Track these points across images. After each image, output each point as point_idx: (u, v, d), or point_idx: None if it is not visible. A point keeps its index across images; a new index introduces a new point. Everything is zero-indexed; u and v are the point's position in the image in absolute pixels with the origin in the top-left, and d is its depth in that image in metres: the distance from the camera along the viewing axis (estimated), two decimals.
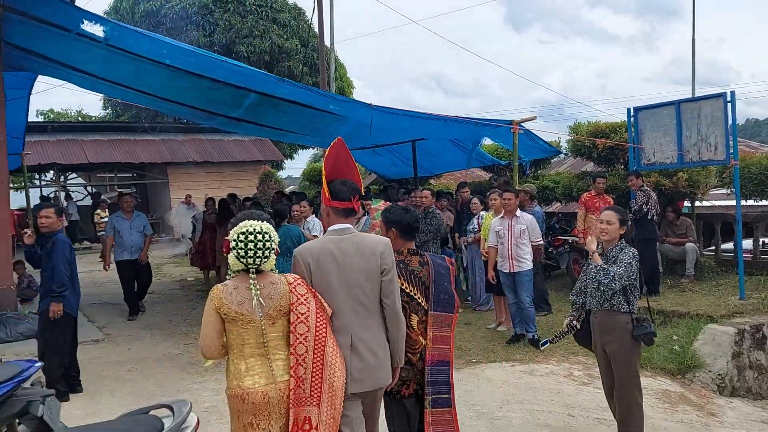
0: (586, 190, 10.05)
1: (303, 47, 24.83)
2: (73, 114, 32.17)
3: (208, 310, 2.91)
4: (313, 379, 2.88)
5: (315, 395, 2.88)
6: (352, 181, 3.35)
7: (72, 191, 23.22)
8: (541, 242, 7.69)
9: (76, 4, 8.14)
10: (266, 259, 2.94)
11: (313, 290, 3.07)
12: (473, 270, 9.07)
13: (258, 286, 2.90)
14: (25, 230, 6.09)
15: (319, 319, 2.96)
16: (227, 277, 3.03)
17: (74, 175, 24.15)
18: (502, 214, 7.39)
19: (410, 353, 3.48)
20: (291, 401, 2.85)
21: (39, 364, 3.45)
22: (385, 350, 3.22)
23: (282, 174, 27.87)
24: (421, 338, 3.54)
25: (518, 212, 7.31)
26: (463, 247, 9.58)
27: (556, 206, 12.86)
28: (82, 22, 6.95)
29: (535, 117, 8.84)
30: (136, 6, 24.14)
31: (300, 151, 28.23)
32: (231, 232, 2.95)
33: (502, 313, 8.00)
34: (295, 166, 68.62)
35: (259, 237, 2.91)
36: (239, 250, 2.89)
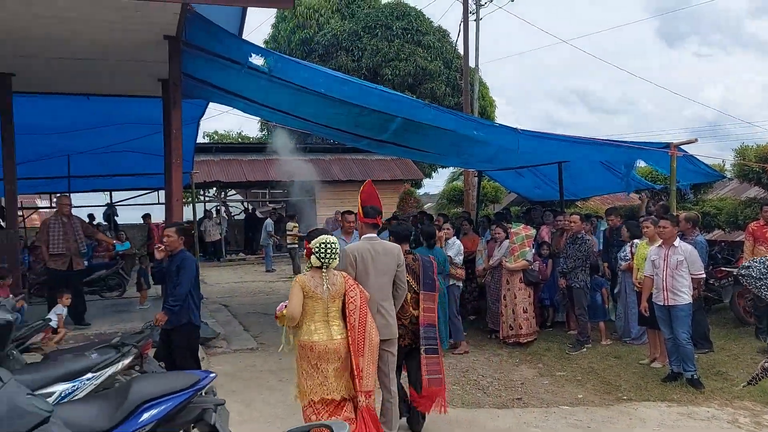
0: (754, 218, 9.19)
1: (446, 69, 25.12)
2: (234, 136, 34.93)
3: (296, 289, 4.45)
4: (359, 338, 4.44)
5: (361, 349, 4.45)
6: (377, 206, 5.33)
7: (231, 206, 25.15)
8: (702, 275, 7.11)
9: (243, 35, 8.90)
10: (333, 260, 4.49)
11: (357, 282, 4.69)
12: (624, 300, 8.59)
13: (326, 277, 4.48)
14: (158, 245, 6.27)
15: (362, 300, 4.56)
16: (305, 270, 4.57)
17: (233, 191, 26.14)
18: (659, 243, 6.96)
19: (403, 319, 5.22)
20: (352, 353, 4.41)
21: (213, 374, 3.78)
22: (394, 314, 5.01)
23: (420, 191, 28.26)
24: (411, 309, 5.29)
25: (677, 241, 6.85)
26: (609, 273, 9.14)
27: (717, 234, 11.88)
28: (250, 55, 7.57)
29: (696, 140, 8.28)
30: (292, 35, 25.78)
31: (439, 170, 28.49)
32: (312, 242, 4.48)
33: (656, 348, 7.51)
34: (434, 184, 69.29)
35: (331, 246, 4.48)
36: (319, 253, 4.45)
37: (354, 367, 4.41)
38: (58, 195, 10.18)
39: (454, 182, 24.83)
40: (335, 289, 4.48)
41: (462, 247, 8.70)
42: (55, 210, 9.90)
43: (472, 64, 18.82)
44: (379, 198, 5.45)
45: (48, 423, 2.30)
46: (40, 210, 23.39)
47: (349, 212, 8.60)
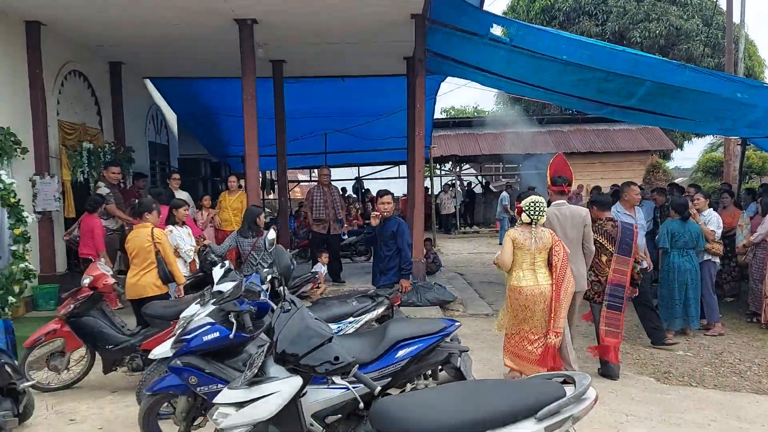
0: None
1: (705, 26, 22.57)
2: (470, 110, 35.53)
3: (507, 241, 5.22)
4: (559, 286, 5.14)
5: (559, 296, 5.15)
6: (565, 175, 5.94)
7: (465, 180, 25.77)
8: None
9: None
10: (541, 217, 5.15)
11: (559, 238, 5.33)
12: None
13: (534, 232, 5.17)
14: (375, 212, 6.79)
15: (564, 255, 5.22)
16: (517, 225, 5.32)
17: (467, 165, 26.72)
18: None
19: (601, 276, 5.92)
20: (553, 299, 5.13)
21: (458, 323, 4.08)
22: (583, 269, 5.69)
23: (669, 165, 25.90)
24: (606, 269, 5.89)
25: None
26: None
27: None
28: (491, 26, 7.70)
29: None
30: (532, 3, 25.26)
31: (694, 139, 25.83)
32: (523, 201, 5.23)
33: None
34: (684, 156, 62.72)
35: (539, 205, 5.15)
36: (529, 211, 5.15)
37: (552, 309, 5.15)
38: (319, 167, 11.44)
39: (711, 153, 22.38)
40: (542, 242, 5.16)
41: (720, 221, 7.92)
42: (316, 182, 11.17)
43: (736, 19, 16.65)
44: (570, 169, 6.11)
45: (331, 342, 2.75)
46: (301, 183, 26.47)
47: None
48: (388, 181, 21.86)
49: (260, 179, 12.80)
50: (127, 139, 11.48)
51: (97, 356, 5.63)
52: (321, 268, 9.45)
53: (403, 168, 17.64)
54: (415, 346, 3.74)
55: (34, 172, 8.52)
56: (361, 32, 9.61)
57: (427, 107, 12.77)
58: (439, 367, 4.00)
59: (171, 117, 14.89)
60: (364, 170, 23.33)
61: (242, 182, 10.00)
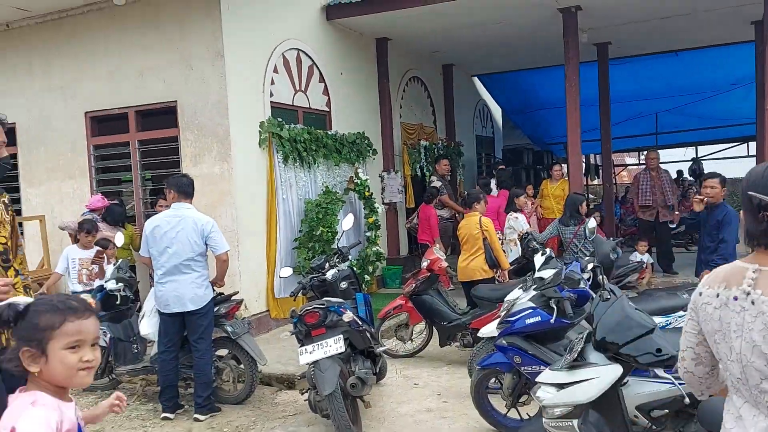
0: None
1: None
2: None
3: None
4: None
5: None
6: None
7: None
8: None
9: None
10: None
11: None
12: None
13: None
14: (698, 198, 5.95)
15: None
16: None
17: None
18: None
19: None
20: None
21: None
22: None
23: None
24: None
25: None
26: None
27: None
28: None
29: None
30: None
31: None
32: None
33: None
34: None
35: None
36: None
37: None
38: (646, 151, 10.81)
39: None
40: None
41: None
42: (644, 165, 10.58)
43: None
44: None
45: (652, 334, 2.74)
46: (629, 167, 25.04)
47: None
48: (732, 161, 19.29)
49: (583, 165, 12.62)
50: (457, 135, 12.48)
51: (434, 331, 6.37)
52: (639, 257, 8.91)
53: (753, 145, 15.44)
54: None
55: (382, 168, 9.90)
56: (698, 1, 8.76)
57: None
58: None
59: (495, 110, 15.63)
60: (703, 150, 20.96)
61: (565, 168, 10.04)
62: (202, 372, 5.00)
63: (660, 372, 2.84)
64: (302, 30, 8.29)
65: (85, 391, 5.88)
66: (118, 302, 5.73)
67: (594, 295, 3.19)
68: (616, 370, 2.87)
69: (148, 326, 5.32)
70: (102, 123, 7.88)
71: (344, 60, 9.16)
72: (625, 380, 2.96)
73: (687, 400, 2.93)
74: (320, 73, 8.62)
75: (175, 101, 7.19)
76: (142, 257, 5.31)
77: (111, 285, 5.67)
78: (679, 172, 18.51)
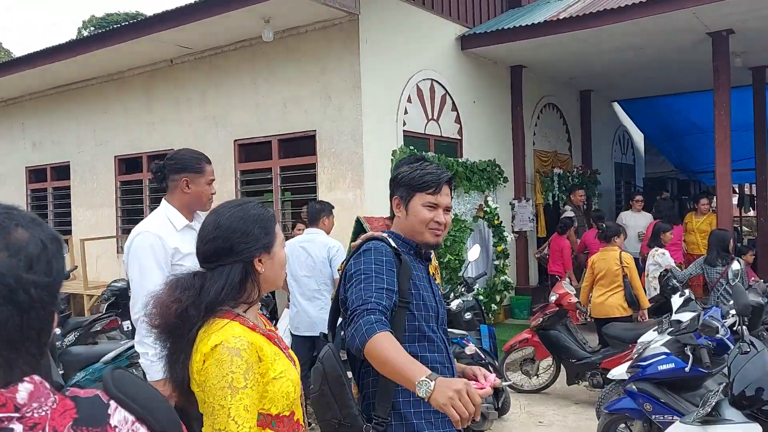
0: None
1: None
2: None
3: None
4: None
5: None
6: None
7: None
8: None
9: None
10: None
11: None
12: None
13: None
14: None
15: None
16: None
17: None
18: None
19: None
20: None
21: None
22: None
23: None
24: None
25: None
26: None
27: None
28: None
29: None
30: None
31: None
32: None
33: None
34: None
35: None
36: None
37: None
38: None
39: None
40: None
41: None
42: None
43: None
44: None
45: None
46: None
47: None
48: None
49: (736, 195, 11.63)
50: (594, 162, 12.02)
51: (562, 367, 6.16)
52: None
53: None
54: None
55: (513, 196, 9.78)
56: None
57: None
58: None
59: (637, 137, 14.87)
60: None
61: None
62: None
63: None
64: (437, 60, 8.48)
65: None
66: None
67: (733, 345, 2.96)
68: (754, 429, 2.64)
69: None
70: (248, 150, 8.51)
71: (478, 88, 9.22)
72: None
73: None
74: (453, 102, 8.74)
75: (315, 130, 7.63)
76: None
77: None
78: None
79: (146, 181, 9.23)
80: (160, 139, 9.05)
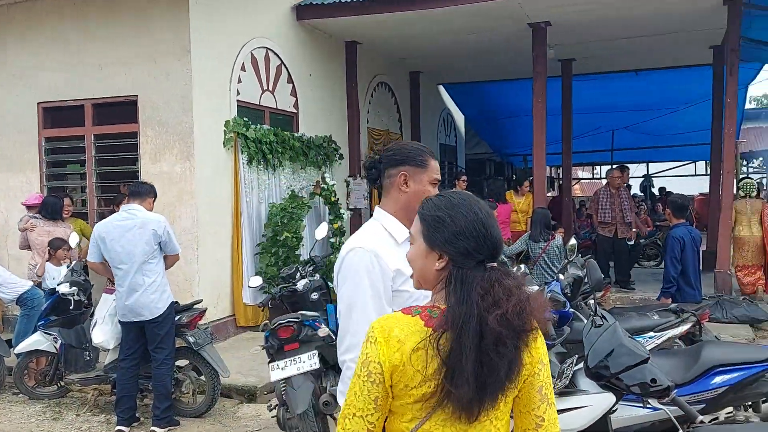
0: None
1: None
2: None
3: None
4: None
5: None
6: None
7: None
8: None
9: None
10: None
11: None
12: None
13: None
14: None
15: None
16: None
17: None
18: None
19: None
20: None
21: None
22: None
23: None
24: None
25: None
26: None
27: None
28: None
29: None
30: None
31: None
32: None
33: None
34: None
35: None
36: None
37: None
38: (610, 168, 11.01)
39: None
40: None
41: None
42: (598, 179, 10.74)
43: None
44: None
45: (647, 363, 2.69)
46: (582, 180, 25.55)
47: None
48: (682, 180, 19.93)
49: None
50: (422, 142, 12.39)
51: None
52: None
53: (700, 165, 15.95)
54: (736, 374, 3.41)
55: (348, 174, 9.73)
56: (663, 23, 8.94)
57: (738, 98, 11.42)
58: (762, 399, 3.59)
59: (459, 119, 15.65)
60: (653, 167, 21.60)
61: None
62: (160, 383, 4.74)
63: (653, 402, 2.79)
64: (272, 29, 8.07)
65: (31, 399, 5.53)
66: (71, 307, 5.41)
67: (578, 315, 3.14)
68: (609, 399, 2.81)
69: (100, 334, 5.02)
70: (56, 114, 7.47)
71: (313, 61, 8.97)
72: (614, 407, 2.90)
73: (680, 429, 2.89)
74: (288, 74, 8.41)
75: (136, 95, 6.88)
76: (91, 263, 4.93)
77: (64, 288, 5.34)
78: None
79: None
80: None
